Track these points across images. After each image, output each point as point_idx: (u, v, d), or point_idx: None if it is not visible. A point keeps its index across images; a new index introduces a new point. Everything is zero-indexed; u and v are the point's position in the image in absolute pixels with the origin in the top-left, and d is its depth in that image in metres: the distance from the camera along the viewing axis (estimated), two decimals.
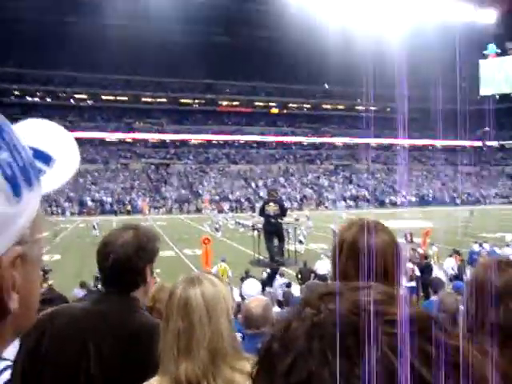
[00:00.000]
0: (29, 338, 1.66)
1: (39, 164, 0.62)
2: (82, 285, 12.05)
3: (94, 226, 30.79)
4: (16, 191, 0.52)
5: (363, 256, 1.66)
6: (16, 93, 64.83)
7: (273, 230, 13.31)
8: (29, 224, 0.54)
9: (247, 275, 12.18)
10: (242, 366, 1.42)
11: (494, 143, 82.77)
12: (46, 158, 0.65)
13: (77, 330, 1.70)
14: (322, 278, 12.34)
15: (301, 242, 21.07)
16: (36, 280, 0.58)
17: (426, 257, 14.99)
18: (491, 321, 1.72)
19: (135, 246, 1.81)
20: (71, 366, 1.64)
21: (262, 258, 14.23)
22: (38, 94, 68.08)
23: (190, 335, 1.41)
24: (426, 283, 11.25)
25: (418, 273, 13.00)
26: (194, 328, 1.42)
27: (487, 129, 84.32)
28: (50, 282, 11.45)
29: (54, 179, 0.64)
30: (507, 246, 17.57)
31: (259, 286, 8.31)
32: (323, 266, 14.01)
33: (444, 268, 14.71)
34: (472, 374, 0.41)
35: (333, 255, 1.76)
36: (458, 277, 13.52)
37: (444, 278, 11.55)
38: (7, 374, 1.66)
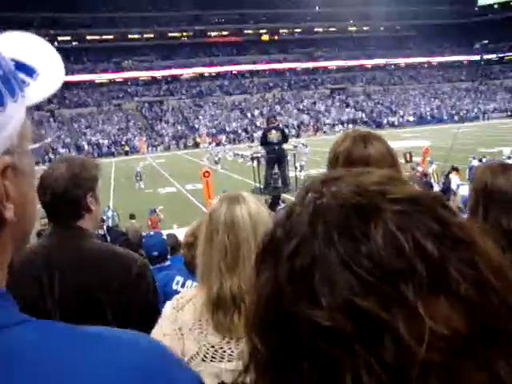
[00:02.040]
0: None
1: (22, 76, 0.61)
2: None
3: None
4: None
5: (358, 166, 1.64)
6: None
7: (276, 158, 13.31)
8: (15, 134, 0.54)
9: None
10: None
11: (493, 56, 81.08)
12: (29, 70, 0.63)
13: (31, 266, 1.71)
14: None
15: (301, 168, 21.11)
16: (30, 191, 0.58)
17: (425, 174, 15.05)
18: (502, 225, 1.70)
19: (69, 177, 1.81)
20: (28, 304, 1.67)
21: (262, 186, 14.30)
22: None
23: (236, 252, 1.42)
24: None
25: None
26: (240, 245, 1.42)
27: (486, 41, 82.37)
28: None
29: (38, 91, 0.64)
30: (509, 158, 17.60)
31: None
32: None
33: (452, 187, 14.66)
34: (475, 248, 0.42)
35: (328, 169, 1.75)
36: (444, 190, 13.69)
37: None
38: None
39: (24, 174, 0.56)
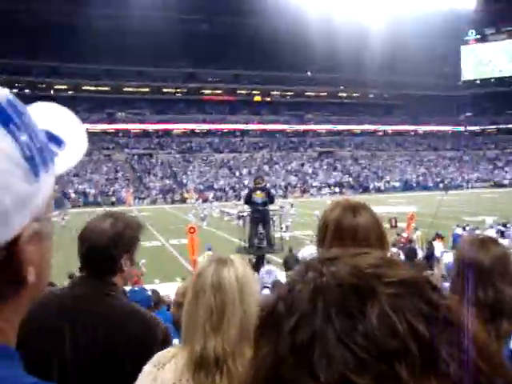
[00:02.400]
0: None
1: (52, 146, 0.64)
2: (71, 276, 11.96)
3: (62, 218, 30.97)
4: (35, 171, 0.55)
5: (347, 235, 1.69)
6: None
7: (260, 218, 13.32)
8: (45, 203, 0.58)
9: None
10: None
11: (476, 128, 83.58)
12: (58, 141, 0.66)
13: (53, 313, 1.72)
14: None
15: (286, 228, 21.15)
16: (48, 255, 0.62)
17: (410, 241, 15.13)
18: (480, 298, 1.75)
19: (111, 235, 1.82)
20: (46, 350, 1.67)
21: (247, 245, 14.27)
22: (16, 85, 66.99)
23: (222, 313, 1.44)
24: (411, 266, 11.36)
25: (402, 257, 13.11)
26: (226, 306, 1.44)
27: (469, 114, 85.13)
28: None
29: (65, 161, 0.67)
30: (491, 227, 17.84)
31: None
32: (308, 252, 14.16)
33: (435, 254, 14.75)
34: (462, 329, 0.43)
35: (318, 237, 1.79)
36: (427, 257, 13.76)
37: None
38: None
39: (46, 238, 0.60)
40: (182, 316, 1.54)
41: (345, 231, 1.68)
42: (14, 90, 65.08)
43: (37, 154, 0.56)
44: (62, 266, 14.51)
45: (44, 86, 69.45)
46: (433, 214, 16.22)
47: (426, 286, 0.46)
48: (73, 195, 51.12)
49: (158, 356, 1.51)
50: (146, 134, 69.55)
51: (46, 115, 0.68)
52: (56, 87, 70.43)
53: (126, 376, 1.67)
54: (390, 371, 0.40)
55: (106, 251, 1.81)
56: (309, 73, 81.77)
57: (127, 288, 5.85)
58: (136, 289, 4.40)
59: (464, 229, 17.29)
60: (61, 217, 30.98)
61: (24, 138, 0.54)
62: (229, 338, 1.41)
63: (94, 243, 1.81)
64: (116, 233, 1.83)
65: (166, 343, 1.81)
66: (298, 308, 0.46)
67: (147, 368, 1.49)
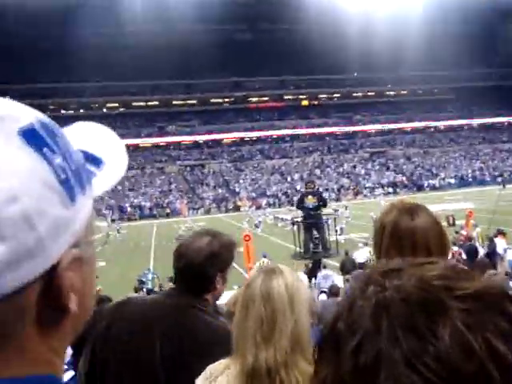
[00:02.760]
0: (99, 325, 1.76)
1: (90, 167, 0.62)
2: (136, 290, 12.28)
3: (117, 230, 32.10)
4: (71, 195, 0.53)
5: (405, 239, 1.66)
6: (51, 107, 66.30)
7: (313, 223, 13.29)
8: (83, 227, 0.56)
9: None
10: None
11: None
12: (96, 161, 0.64)
13: (145, 319, 1.76)
14: (361, 266, 12.25)
15: (341, 231, 20.95)
16: (91, 281, 0.60)
17: (470, 238, 14.68)
18: None
19: (208, 253, 1.85)
20: (138, 354, 1.72)
21: (303, 251, 14.22)
22: (71, 106, 69.66)
23: (273, 323, 1.41)
24: (472, 265, 11.03)
25: (464, 256, 12.75)
26: (276, 316, 1.42)
27: None
28: (98, 288, 11.77)
29: (104, 181, 0.64)
30: None
31: (306, 279, 8.36)
32: (362, 255, 14.02)
33: (498, 251, 14.22)
34: None
35: (375, 241, 1.77)
36: (489, 255, 13.23)
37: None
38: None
39: (87, 263, 0.57)
40: (232, 327, 1.53)
41: (402, 234, 1.65)
42: (70, 112, 67.74)
43: (72, 176, 0.54)
44: (120, 279, 14.88)
45: (97, 105, 71.86)
46: (492, 210, 15.67)
47: (504, 299, 0.42)
48: (129, 209, 52.44)
49: (210, 368, 1.51)
50: (196, 145, 70.62)
51: (84, 135, 0.66)
52: (108, 105, 72.73)
53: None
54: None
55: (202, 269, 1.83)
56: (355, 73, 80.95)
57: None
58: None
59: None
60: (115, 232, 31.87)
61: (58, 160, 0.53)
62: (280, 349, 1.39)
63: (190, 260, 1.84)
64: (212, 252, 1.86)
65: None
66: (360, 326, 0.43)
67: (200, 381, 1.49)
